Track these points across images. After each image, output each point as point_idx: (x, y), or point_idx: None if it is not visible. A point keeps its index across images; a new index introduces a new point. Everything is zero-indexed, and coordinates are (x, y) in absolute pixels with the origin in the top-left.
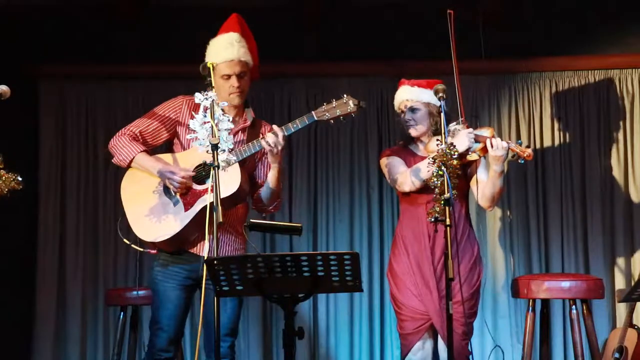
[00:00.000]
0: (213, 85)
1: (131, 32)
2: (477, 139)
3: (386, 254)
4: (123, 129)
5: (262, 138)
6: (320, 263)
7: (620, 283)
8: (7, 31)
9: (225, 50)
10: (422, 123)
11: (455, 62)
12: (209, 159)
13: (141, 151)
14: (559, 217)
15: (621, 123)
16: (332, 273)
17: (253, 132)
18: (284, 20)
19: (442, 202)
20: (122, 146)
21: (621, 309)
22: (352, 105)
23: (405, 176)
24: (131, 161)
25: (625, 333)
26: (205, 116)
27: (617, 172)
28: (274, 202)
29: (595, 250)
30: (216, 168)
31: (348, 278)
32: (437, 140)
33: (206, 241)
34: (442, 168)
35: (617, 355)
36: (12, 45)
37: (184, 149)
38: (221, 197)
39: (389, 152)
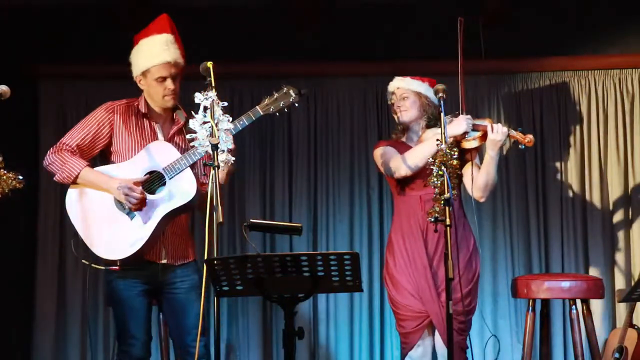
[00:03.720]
0: (213, 85)
1: (131, 32)
2: (475, 128)
3: None
4: (58, 144)
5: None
6: (320, 263)
7: (620, 283)
8: (7, 31)
9: (162, 52)
10: (411, 110)
11: (461, 69)
12: (157, 167)
13: (85, 166)
14: (559, 217)
15: (621, 123)
16: (332, 273)
17: (189, 131)
18: (283, 19)
19: (442, 202)
20: (62, 162)
21: (621, 309)
22: (293, 94)
23: (399, 161)
24: (76, 177)
25: (625, 333)
26: (205, 116)
27: (617, 172)
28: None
29: (595, 250)
30: (216, 168)
31: (348, 278)
32: (438, 140)
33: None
34: (442, 168)
35: (617, 355)
36: (12, 45)
37: (122, 156)
38: (177, 205)
39: (383, 143)
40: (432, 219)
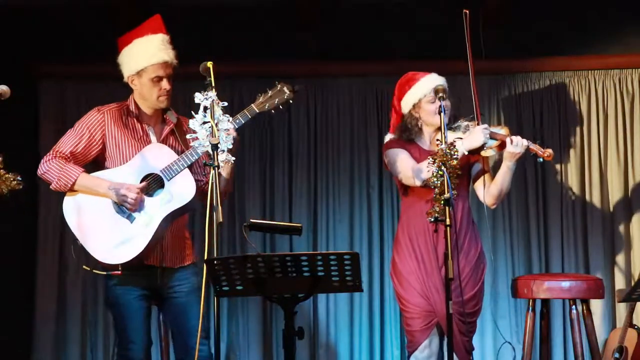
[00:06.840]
0: (213, 85)
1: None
2: (493, 136)
3: (386, 254)
4: (51, 153)
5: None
6: (320, 263)
7: (620, 283)
8: (8, 31)
9: (159, 51)
10: (448, 112)
11: (470, 61)
12: (154, 169)
13: (82, 172)
14: (559, 217)
15: (621, 123)
16: (332, 273)
17: (181, 132)
18: (284, 19)
19: (442, 202)
20: (58, 170)
21: (621, 309)
22: (287, 92)
23: (411, 171)
24: (73, 184)
25: (625, 333)
26: (205, 116)
27: (617, 172)
28: (225, 194)
29: (595, 250)
30: (216, 168)
31: (348, 278)
32: (438, 140)
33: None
34: (442, 168)
35: (617, 355)
36: (13, 44)
37: (117, 161)
38: (176, 207)
39: (395, 144)
40: (432, 219)
